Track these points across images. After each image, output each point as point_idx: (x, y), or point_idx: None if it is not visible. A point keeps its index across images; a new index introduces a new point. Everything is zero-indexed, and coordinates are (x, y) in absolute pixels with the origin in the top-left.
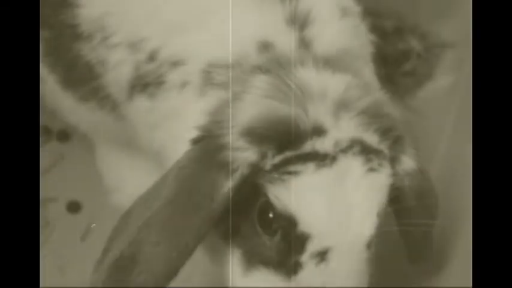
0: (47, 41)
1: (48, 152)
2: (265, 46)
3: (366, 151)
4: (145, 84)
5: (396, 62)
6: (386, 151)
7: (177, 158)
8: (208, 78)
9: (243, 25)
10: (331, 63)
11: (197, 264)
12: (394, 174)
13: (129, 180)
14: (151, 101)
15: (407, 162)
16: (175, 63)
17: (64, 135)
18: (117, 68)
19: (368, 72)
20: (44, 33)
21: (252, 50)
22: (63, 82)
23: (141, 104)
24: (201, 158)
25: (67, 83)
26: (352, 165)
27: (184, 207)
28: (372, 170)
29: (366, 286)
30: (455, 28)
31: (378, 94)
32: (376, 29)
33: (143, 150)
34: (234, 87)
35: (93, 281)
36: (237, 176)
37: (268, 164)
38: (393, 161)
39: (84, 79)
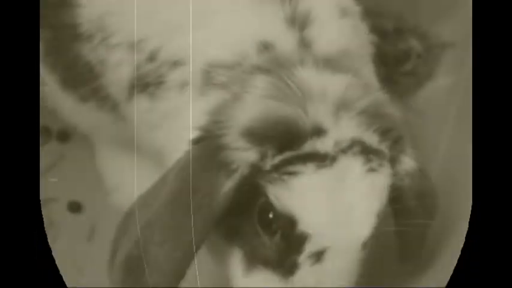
0: (47, 41)
1: (48, 152)
2: (265, 46)
3: (366, 151)
4: (145, 84)
5: (396, 62)
6: (386, 151)
7: (177, 158)
8: (208, 78)
9: (243, 25)
10: (331, 63)
11: (197, 265)
12: (394, 174)
13: (129, 180)
14: (151, 101)
15: (407, 162)
16: (175, 63)
17: (64, 135)
18: (117, 68)
19: (368, 72)
20: (44, 33)
21: (252, 50)
22: (63, 82)
23: (141, 104)
24: (201, 158)
25: (67, 83)
26: (352, 165)
27: (184, 207)
28: (371, 170)
29: (364, 286)
30: (455, 28)
31: (377, 94)
32: (376, 29)
33: (143, 150)
34: (234, 88)
35: (109, 282)
36: (237, 176)
37: (268, 164)
38: (393, 161)
39: (84, 79)
